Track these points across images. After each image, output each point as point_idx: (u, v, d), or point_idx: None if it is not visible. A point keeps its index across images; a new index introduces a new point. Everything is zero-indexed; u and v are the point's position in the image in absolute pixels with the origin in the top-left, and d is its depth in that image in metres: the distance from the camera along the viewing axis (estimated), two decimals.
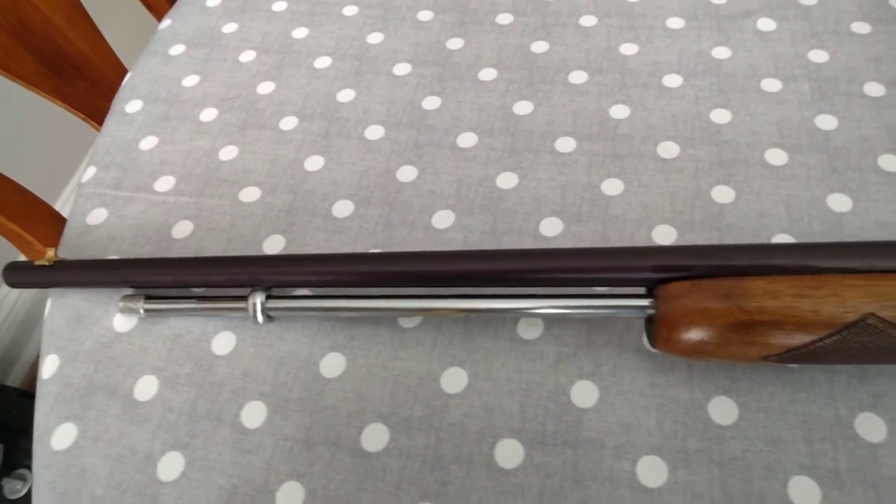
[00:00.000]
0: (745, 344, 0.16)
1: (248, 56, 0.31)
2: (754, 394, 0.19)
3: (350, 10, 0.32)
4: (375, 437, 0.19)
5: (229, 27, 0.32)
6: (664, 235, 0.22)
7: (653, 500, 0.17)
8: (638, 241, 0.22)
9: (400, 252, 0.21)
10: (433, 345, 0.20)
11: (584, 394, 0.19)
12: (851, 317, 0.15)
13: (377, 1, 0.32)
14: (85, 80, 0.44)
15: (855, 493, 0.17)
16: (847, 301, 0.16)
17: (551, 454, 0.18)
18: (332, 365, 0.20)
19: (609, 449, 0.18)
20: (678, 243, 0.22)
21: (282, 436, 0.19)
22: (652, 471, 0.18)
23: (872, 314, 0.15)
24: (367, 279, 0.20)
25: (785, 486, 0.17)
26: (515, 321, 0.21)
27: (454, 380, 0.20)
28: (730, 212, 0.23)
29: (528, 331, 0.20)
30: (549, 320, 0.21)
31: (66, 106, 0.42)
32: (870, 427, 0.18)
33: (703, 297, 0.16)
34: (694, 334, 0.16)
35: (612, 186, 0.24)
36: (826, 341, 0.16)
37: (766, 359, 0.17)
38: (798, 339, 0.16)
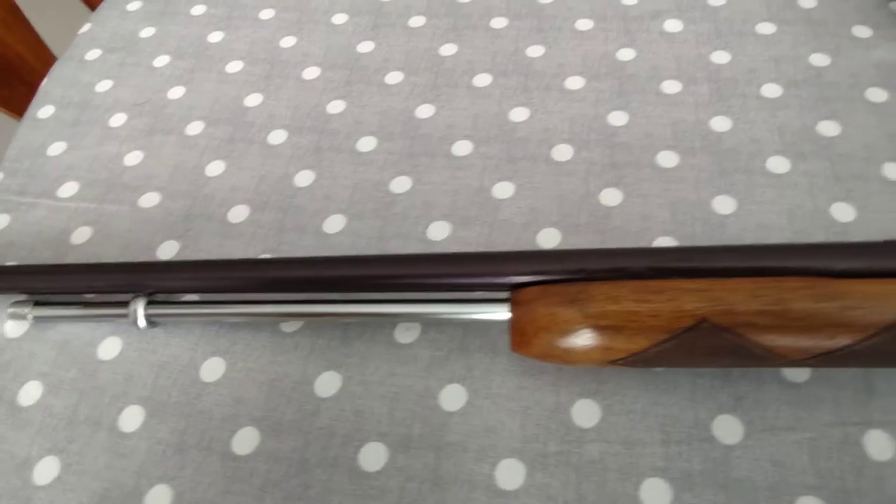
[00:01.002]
0: (590, 349, 0.16)
1: (162, 61, 0.30)
2: (618, 396, 0.19)
3: (266, 14, 0.32)
4: (246, 440, 0.19)
5: (147, 31, 0.32)
6: (549, 239, 0.22)
7: (508, 502, 0.17)
8: (522, 244, 0.22)
9: (265, 259, 0.21)
10: (311, 349, 0.21)
11: (453, 397, 0.19)
12: (688, 321, 0.16)
13: (294, 4, 0.32)
14: (24, 85, 0.44)
15: (705, 495, 0.17)
16: (684, 306, 0.16)
17: (414, 457, 0.18)
18: (212, 369, 0.21)
19: (471, 452, 0.18)
20: (560, 247, 0.22)
21: (156, 440, 0.19)
22: (510, 474, 0.18)
23: (706, 319, 0.16)
24: (241, 285, 0.20)
25: (637, 488, 0.17)
26: (393, 325, 0.21)
27: (328, 384, 0.20)
28: (616, 214, 0.23)
29: (405, 335, 0.21)
30: (427, 324, 0.21)
31: (4, 110, 0.42)
32: (727, 429, 0.18)
33: (551, 302, 0.17)
34: (541, 339, 0.17)
35: (503, 190, 0.24)
36: (665, 345, 0.16)
37: (612, 363, 0.17)
38: (638, 343, 0.16)
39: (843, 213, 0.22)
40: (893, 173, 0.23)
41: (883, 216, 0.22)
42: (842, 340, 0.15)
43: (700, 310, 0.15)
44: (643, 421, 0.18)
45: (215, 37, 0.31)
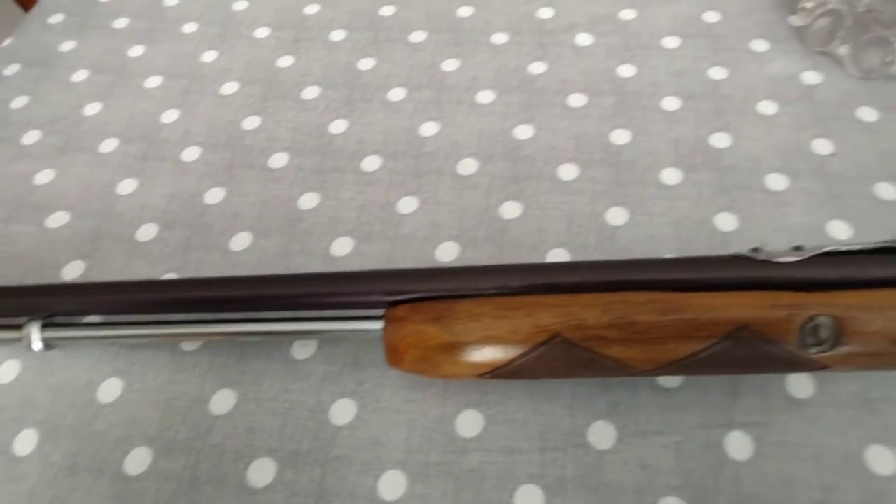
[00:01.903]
0: (455, 364, 0.17)
1: (80, 76, 0.30)
2: (502, 406, 0.20)
3: (190, 27, 0.32)
4: (138, 460, 0.19)
5: (67, 45, 0.32)
6: (447, 253, 0.23)
7: None
8: (421, 259, 0.23)
9: (155, 280, 0.22)
10: (209, 367, 0.21)
11: (343, 411, 0.20)
12: (543, 336, 0.16)
13: (217, 17, 0.32)
14: None
15: (576, 500, 0.18)
16: (540, 321, 0.16)
17: (301, 472, 0.19)
18: (110, 390, 0.21)
19: (356, 465, 0.19)
20: (457, 260, 0.23)
21: (48, 463, 0.20)
22: (392, 485, 0.18)
23: (561, 333, 0.16)
24: (135, 307, 0.20)
25: (512, 495, 0.18)
26: (290, 342, 0.21)
27: (223, 401, 0.20)
28: (514, 227, 0.23)
29: (301, 351, 0.21)
30: (323, 340, 0.21)
31: None
32: (601, 435, 0.19)
33: (418, 320, 0.17)
34: (411, 355, 0.17)
35: (407, 205, 0.24)
36: (525, 359, 0.17)
37: (480, 376, 0.17)
38: (500, 357, 0.17)
39: (726, 222, 0.23)
40: (776, 184, 0.24)
41: (762, 225, 0.23)
42: (685, 350, 0.16)
43: (554, 325, 0.16)
44: (523, 429, 0.19)
45: (136, 51, 0.31)
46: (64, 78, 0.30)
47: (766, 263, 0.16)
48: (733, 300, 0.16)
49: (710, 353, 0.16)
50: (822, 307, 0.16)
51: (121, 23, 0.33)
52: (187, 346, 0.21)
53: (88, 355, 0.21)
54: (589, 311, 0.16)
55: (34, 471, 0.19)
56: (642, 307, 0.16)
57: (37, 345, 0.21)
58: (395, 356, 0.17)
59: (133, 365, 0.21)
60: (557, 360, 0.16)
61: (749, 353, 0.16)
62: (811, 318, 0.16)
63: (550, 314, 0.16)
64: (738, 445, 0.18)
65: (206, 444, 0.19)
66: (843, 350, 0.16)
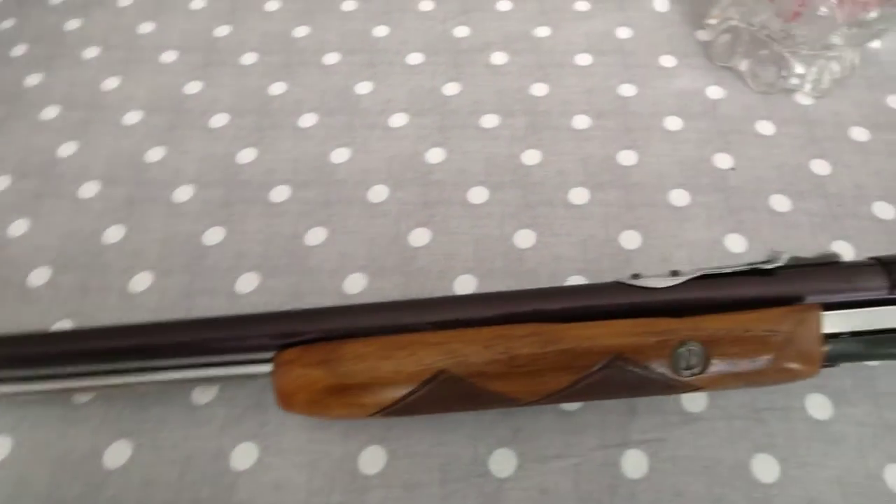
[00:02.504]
0: (344, 405, 0.17)
1: None
2: (404, 440, 0.20)
3: (91, 52, 0.30)
4: None
5: None
6: (355, 284, 0.23)
7: None
8: (328, 292, 0.23)
9: (40, 333, 0.20)
10: (103, 419, 0.20)
11: (244, 456, 0.19)
12: (427, 374, 0.16)
13: (122, 42, 0.31)
14: None
15: None
16: (423, 360, 0.16)
17: None
18: None
19: None
20: (365, 291, 0.22)
21: None
22: None
23: (444, 370, 0.16)
24: (21, 361, 0.19)
25: None
26: (191, 387, 0.21)
27: (117, 454, 0.19)
28: (422, 255, 0.23)
29: (202, 395, 0.20)
30: (225, 383, 0.21)
31: None
32: (502, 463, 0.19)
33: (305, 363, 0.17)
34: (300, 398, 0.17)
35: (316, 236, 0.24)
36: (412, 397, 0.17)
37: (371, 416, 0.17)
38: (386, 397, 0.17)
39: (630, 240, 0.23)
40: (679, 199, 0.25)
41: (665, 242, 0.23)
42: (565, 381, 0.16)
43: (438, 363, 0.16)
44: (425, 462, 0.19)
45: (33, 79, 0.29)
46: None
47: (644, 289, 0.17)
48: (609, 329, 0.16)
49: (589, 382, 0.16)
50: (692, 332, 0.16)
51: (18, 50, 0.31)
52: (78, 398, 0.20)
53: None
54: (471, 347, 0.16)
55: None
56: (522, 341, 0.16)
57: None
58: (285, 400, 0.17)
59: (22, 421, 0.20)
60: (447, 396, 0.16)
61: (627, 380, 0.16)
62: (682, 343, 0.16)
63: (433, 352, 0.16)
64: (634, 464, 0.19)
65: (98, 501, 0.18)
66: (712, 371, 0.16)
